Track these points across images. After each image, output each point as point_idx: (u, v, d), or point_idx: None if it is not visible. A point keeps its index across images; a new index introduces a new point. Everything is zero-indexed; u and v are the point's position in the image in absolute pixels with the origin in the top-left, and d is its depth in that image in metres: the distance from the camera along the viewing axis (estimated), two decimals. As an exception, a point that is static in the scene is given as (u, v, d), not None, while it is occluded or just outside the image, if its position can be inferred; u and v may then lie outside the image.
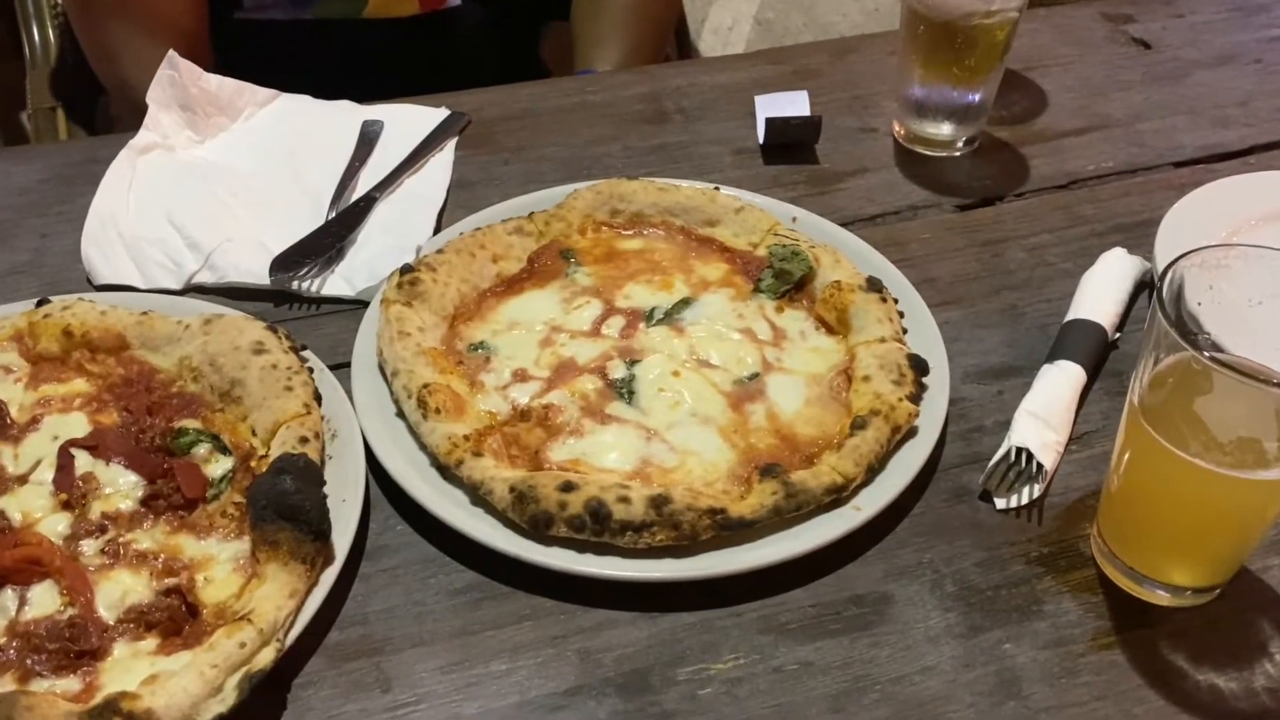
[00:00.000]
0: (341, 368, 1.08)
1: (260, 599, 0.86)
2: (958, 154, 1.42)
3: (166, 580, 0.89)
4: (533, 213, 1.23)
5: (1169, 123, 1.48)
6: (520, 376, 1.06)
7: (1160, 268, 1.04)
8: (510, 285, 1.17)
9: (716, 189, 1.27)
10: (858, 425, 0.99)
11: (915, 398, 1.03)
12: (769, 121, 1.40)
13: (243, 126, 1.41)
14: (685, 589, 0.92)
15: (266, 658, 0.83)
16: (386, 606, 0.92)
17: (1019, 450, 1.00)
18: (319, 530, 0.89)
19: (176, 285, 1.19)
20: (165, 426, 1.00)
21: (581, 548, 0.92)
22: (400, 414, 1.03)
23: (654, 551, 0.92)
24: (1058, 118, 1.49)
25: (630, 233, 1.24)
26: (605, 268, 1.19)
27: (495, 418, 1.02)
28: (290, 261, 1.20)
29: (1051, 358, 1.09)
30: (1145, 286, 1.21)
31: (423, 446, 1.00)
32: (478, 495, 0.95)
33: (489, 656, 0.88)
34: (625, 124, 1.47)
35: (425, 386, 1.01)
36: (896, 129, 1.44)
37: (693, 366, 1.08)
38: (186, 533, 0.93)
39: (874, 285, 1.13)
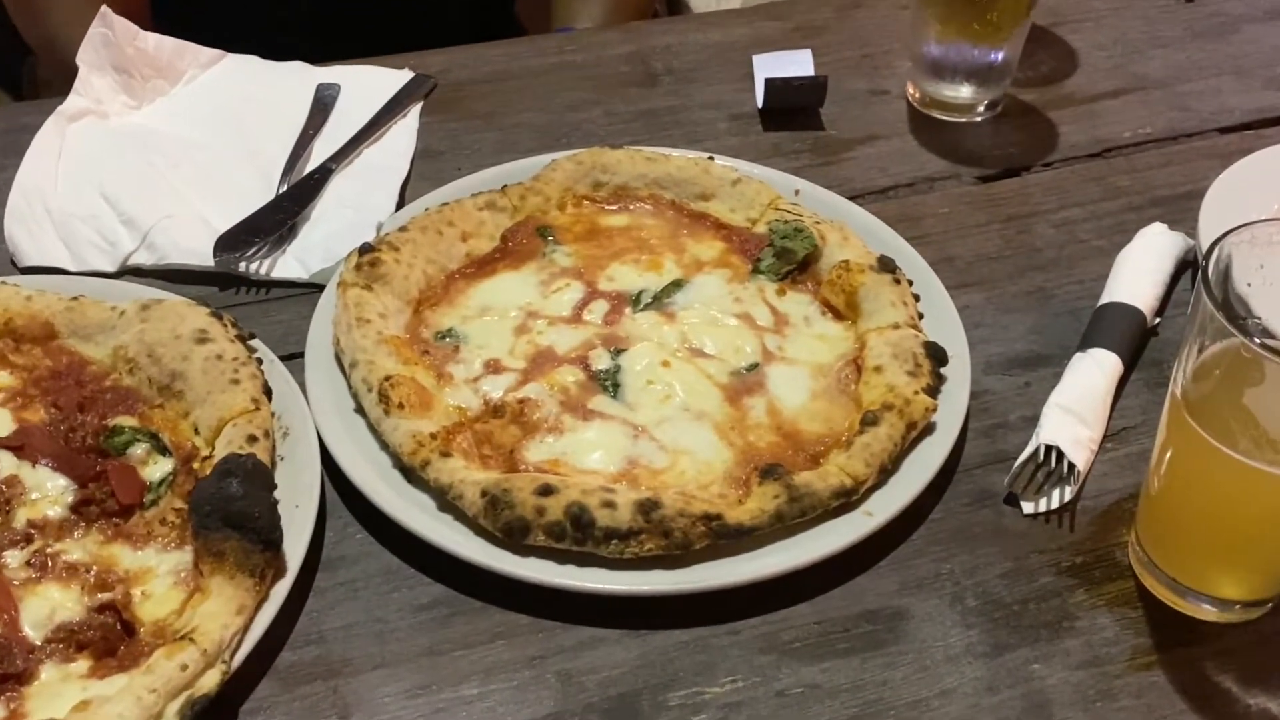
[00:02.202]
0: (294, 358, 1.07)
1: (204, 616, 0.85)
2: (979, 119, 1.41)
3: (100, 595, 0.88)
4: (506, 185, 1.22)
5: (1214, 84, 1.48)
6: (493, 368, 1.06)
7: (1205, 245, 1.04)
8: (481, 266, 1.16)
9: (711, 159, 1.26)
10: (869, 421, 0.98)
11: (933, 390, 1.02)
12: (769, 83, 1.40)
13: (184, 90, 1.40)
14: (677, 604, 0.91)
15: (211, 681, 0.82)
16: (344, 624, 0.91)
17: (1048, 448, 0.99)
18: (269, 539, 0.88)
19: (110, 267, 1.18)
20: (98, 424, 1.00)
21: (562, 558, 0.91)
22: (359, 410, 1.02)
23: (642, 562, 0.91)
24: (1090, 79, 1.49)
25: (615, 207, 1.23)
26: (587, 246, 1.18)
27: (465, 413, 1.02)
28: (237, 240, 1.19)
29: (1084, 345, 1.09)
30: (1188, 266, 1.20)
31: (384, 446, 0.99)
32: (446, 500, 0.95)
33: (459, 679, 0.88)
34: (609, 87, 1.46)
35: (387, 379, 1.00)
36: (911, 92, 1.44)
37: (684, 356, 1.07)
38: (122, 542, 0.92)
39: (886, 265, 1.12)
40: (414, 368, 1.04)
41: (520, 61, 1.50)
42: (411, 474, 0.97)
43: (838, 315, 1.12)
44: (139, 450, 0.98)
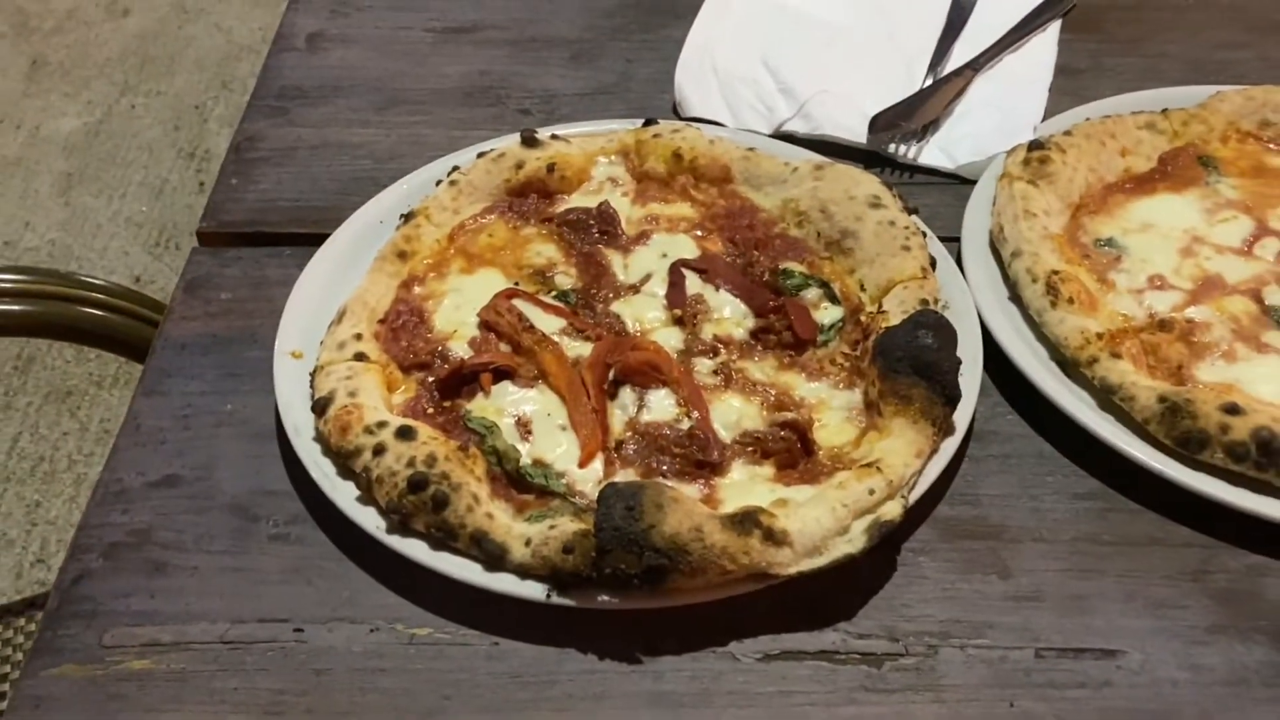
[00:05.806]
0: (944, 241, 1.12)
1: (886, 451, 0.92)
2: None
3: (780, 414, 0.98)
4: (1167, 109, 1.23)
5: None
6: (1156, 283, 1.08)
7: None
8: (1140, 184, 1.18)
9: None
10: None
11: None
12: None
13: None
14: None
15: (894, 510, 0.90)
16: (999, 494, 0.97)
17: None
18: (951, 395, 0.95)
19: (765, 130, 1.28)
20: (771, 264, 1.10)
21: (1234, 480, 0.93)
22: (1014, 299, 1.07)
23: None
24: None
25: (1282, 149, 1.22)
26: (1254, 183, 1.18)
27: (1129, 321, 1.05)
28: (889, 123, 1.26)
29: None
30: None
31: (1041, 337, 1.03)
32: (1109, 400, 0.98)
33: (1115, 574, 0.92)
34: (1262, 29, 1.43)
35: (1055, 273, 1.04)
36: None
37: (1375, 306, 1.05)
38: (796, 371, 1.02)
39: None
40: (1076, 268, 1.07)
41: (1166, -7, 1.49)
42: (1070, 368, 1.01)
43: None
44: (810, 294, 1.08)
